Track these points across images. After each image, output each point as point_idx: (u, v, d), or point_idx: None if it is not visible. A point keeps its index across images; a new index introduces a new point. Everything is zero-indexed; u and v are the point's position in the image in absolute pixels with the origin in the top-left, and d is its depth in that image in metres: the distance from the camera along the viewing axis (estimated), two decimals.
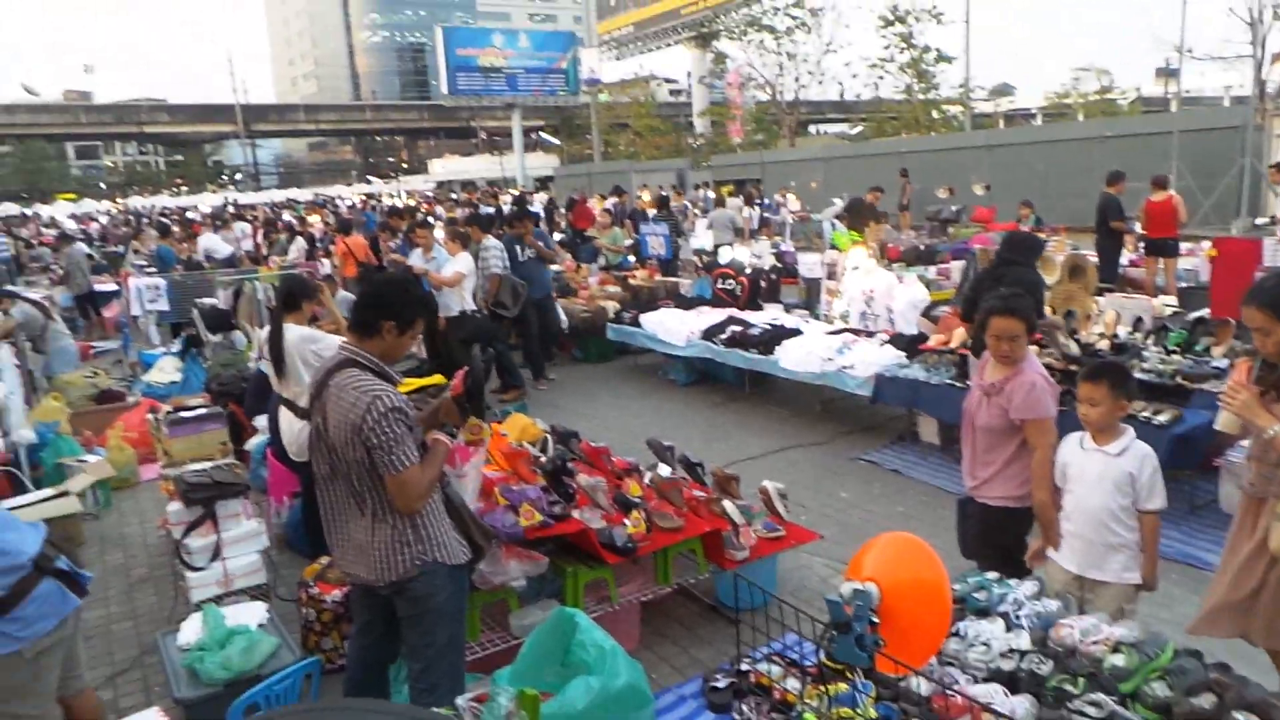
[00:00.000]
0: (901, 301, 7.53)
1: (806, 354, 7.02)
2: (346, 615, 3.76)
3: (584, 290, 10.87)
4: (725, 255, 10.66)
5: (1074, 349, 5.76)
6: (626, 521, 3.80)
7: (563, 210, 20.77)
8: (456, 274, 7.97)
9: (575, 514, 3.75)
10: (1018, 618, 2.74)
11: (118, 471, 6.40)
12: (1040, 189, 16.33)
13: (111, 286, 14.76)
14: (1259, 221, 13.63)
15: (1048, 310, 6.24)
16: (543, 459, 4.12)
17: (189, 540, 4.05)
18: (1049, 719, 2.26)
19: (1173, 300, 8.64)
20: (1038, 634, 2.62)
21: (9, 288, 9.17)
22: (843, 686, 2.12)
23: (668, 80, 65.66)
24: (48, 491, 4.87)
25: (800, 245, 10.59)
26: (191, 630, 3.57)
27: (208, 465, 4.38)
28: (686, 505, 4.11)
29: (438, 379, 7.11)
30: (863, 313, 7.85)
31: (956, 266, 9.74)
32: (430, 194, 45.85)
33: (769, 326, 7.78)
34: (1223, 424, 2.95)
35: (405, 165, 73.90)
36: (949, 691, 2.21)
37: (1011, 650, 2.55)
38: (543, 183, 43.43)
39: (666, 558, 3.93)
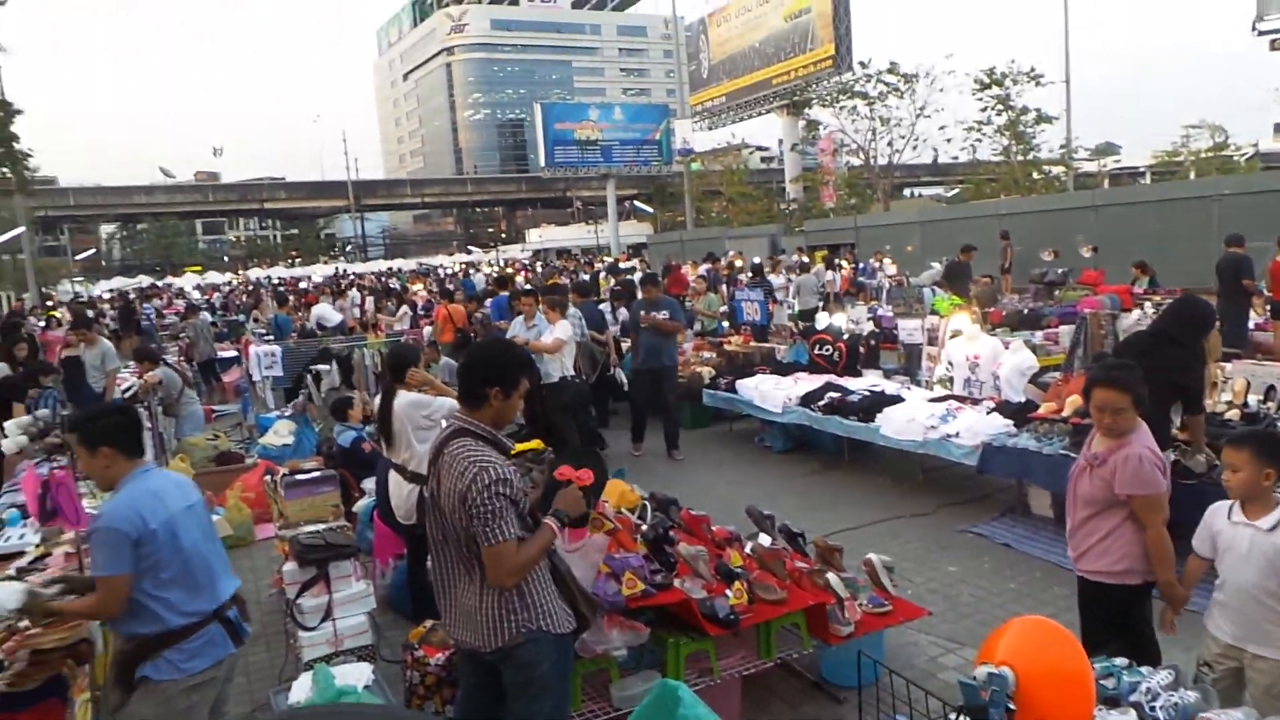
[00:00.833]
0: (1008, 367, 7.29)
1: (908, 421, 6.84)
2: (450, 679, 3.79)
3: (679, 356, 10.92)
4: (822, 321, 10.57)
5: (1202, 466, 4.87)
6: (729, 592, 3.74)
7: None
8: (557, 341, 8.14)
9: (677, 583, 3.71)
10: (1153, 709, 2.55)
11: (235, 531, 6.69)
12: (1152, 250, 15.69)
13: (232, 353, 15.66)
14: None
15: (1207, 401, 5.42)
16: (643, 526, 4.11)
17: (302, 600, 4.18)
18: None
19: None
20: None
21: (154, 349, 9.82)
22: None
23: (759, 148, 66.47)
24: None
25: (899, 310, 10.41)
26: (302, 689, 3.65)
27: (321, 527, 4.54)
28: (789, 577, 4.03)
29: (537, 444, 7.24)
30: (966, 379, 7.63)
31: (1065, 331, 9.40)
32: (526, 262, 47.24)
33: (868, 393, 7.64)
34: None
35: (504, 235, 76.50)
36: None
37: None
38: (636, 250, 44.23)
39: (769, 631, 3.84)
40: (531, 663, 2.76)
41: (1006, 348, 7.62)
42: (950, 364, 7.88)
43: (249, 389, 12.19)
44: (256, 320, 18.08)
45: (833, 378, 8.43)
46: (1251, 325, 10.47)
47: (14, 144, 20.32)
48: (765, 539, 4.40)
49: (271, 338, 14.04)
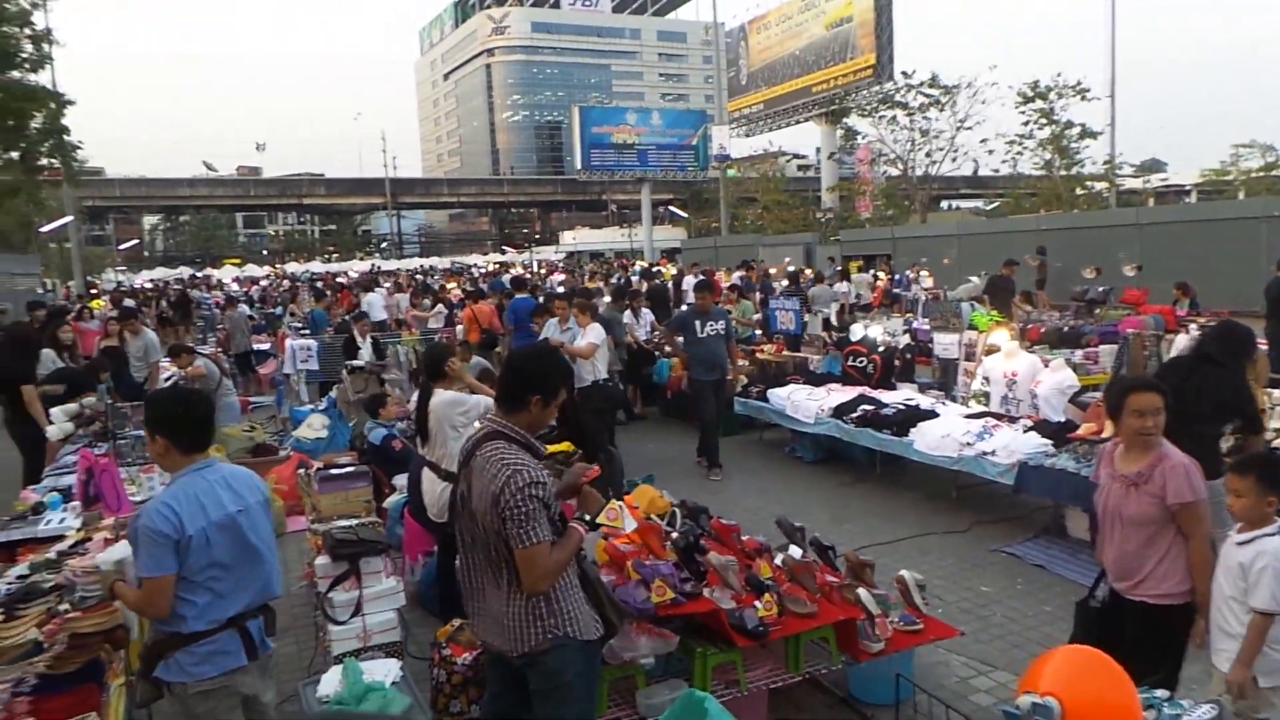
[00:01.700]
0: (1047, 386, 7.17)
1: (943, 437, 6.77)
2: (476, 679, 3.81)
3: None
4: (857, 332, 10.49)
5: None
6: (758, 604, 3.71)
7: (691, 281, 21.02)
8: (590, 345, 8.16)
9: (706, 593, 3.69)
10: None
11: None
12: (1197, 271, 15.39)
13: (268, 346, 15.90)
14: None
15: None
16: (674, 534, 4.10)
17: (333, 594, 4.22)
18: None
19: None
20: None
21: (189, 345, 9.98)
22: None
23: (796, 156, 66.25)
24: None
25: (935, 324, 10.29)
26: (330, 683, 3.68)
27: (354, 522, 4.58)
28: (819, 590, 3.99)
29: (566, 446, 7.25)
30: (1004, 396, 7.52)
31: (1106, 350, 9.23)
32: (559, 263, 47.47)
33: (903, 407, 7.57)
34: None
35: (538, 236, 76.85)
36: None
37: None
38: (669, 255, 44.26)
39: (798, 644, 3.80)
40: (558, 669, 2.76)
41: (1046, 365, 7.51)
42: (986, 380, 7.78)
43: (284, 382, 12.36)
44: (293, 314, 18.31)
45: (866, 390, 8.36)
46: None
47: (65, 135, 20.73)
48: (796, 551, 4.35)
49: (307, 332, 14.20)
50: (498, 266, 46.34)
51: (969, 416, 7.09)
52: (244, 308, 20.25)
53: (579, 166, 49.18)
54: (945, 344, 9.37)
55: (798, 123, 43.66)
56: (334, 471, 5.09)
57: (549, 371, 2.92)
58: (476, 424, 3.05)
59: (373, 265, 49.61)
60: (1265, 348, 9.07)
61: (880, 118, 37.09)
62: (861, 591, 4.01)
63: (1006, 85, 49.43)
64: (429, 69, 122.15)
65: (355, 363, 10.70)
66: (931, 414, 7.26)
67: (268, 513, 3.07)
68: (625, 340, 10.26)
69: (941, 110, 35.45)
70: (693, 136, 50.08)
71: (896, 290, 18.48)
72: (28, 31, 18.84)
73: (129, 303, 20.14)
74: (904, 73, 36.25)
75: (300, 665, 4.64)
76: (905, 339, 10.77)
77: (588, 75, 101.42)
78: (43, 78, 19.69)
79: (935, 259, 23.81)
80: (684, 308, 9.06)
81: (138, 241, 73.39)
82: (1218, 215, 19.60)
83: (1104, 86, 29.86)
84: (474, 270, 43.53)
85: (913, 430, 7.04)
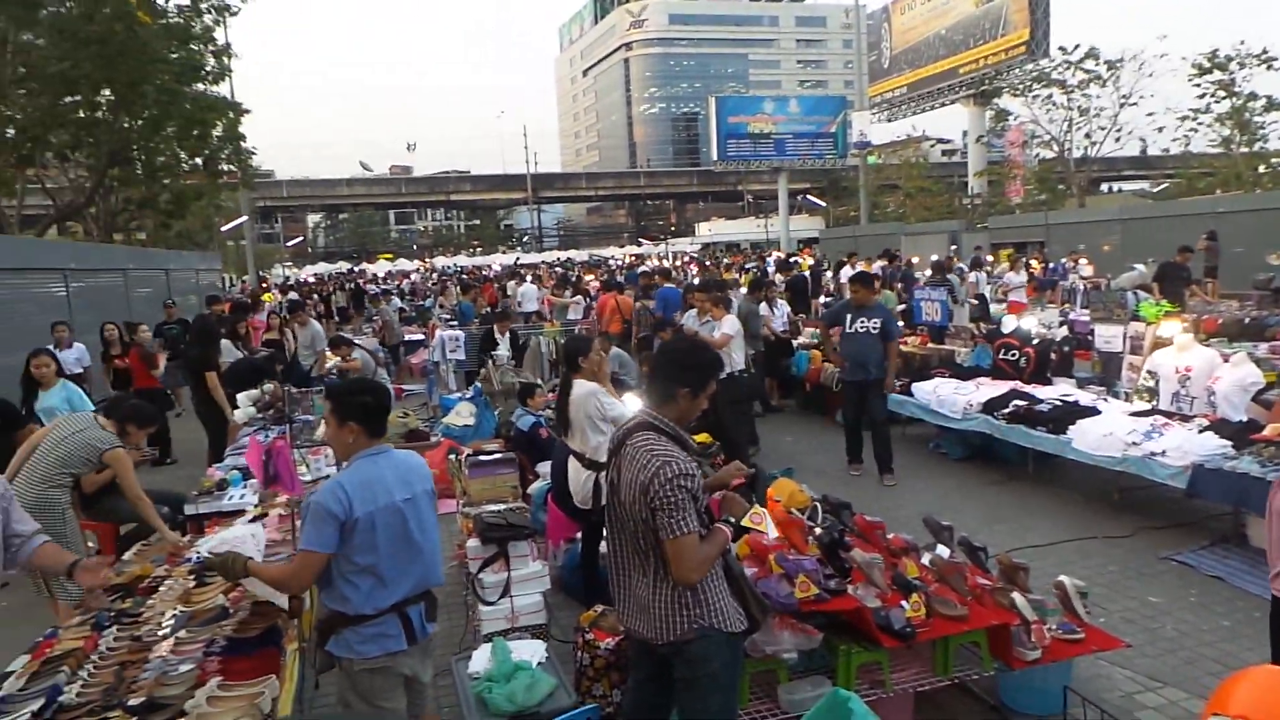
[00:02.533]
0: (1227, 382, 6.59)
1: (1105, 435, 6.36)
2: (618, 664, 3.88)
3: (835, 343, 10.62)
4: (1009, 324, 9.99)
5: None
6: (905, 604, 3.62)
7: (829, 273, 20.61)
8: (724, 336, 8.14)
9: (851, 590, 3.63)
10: None
11: None
12: None
13: (419, 336, 16.71)
14: None
15: None
16: (817, 529, 4.04)
17: (483, 575, 4.40)
18: None
19: None
20: None
21: (348, 338, 10.62)
22: None
23: (940, 140, 63.68)
24: None
25: (1096, 315, 9.64)
26: (480, 660, 3.85)
27: (502, 507, 4.76)
28: (970, 593, 3.84)
29: (704, 438, 7.26)
30: (1175, 393, 6.97)
31: None
32: (694, 254, 47.52)
33: (1059, 403, 7.19)
34: None
35: (673, 228, 77.19)
36: None
37: None
38: (807, 245, 43.49)
39: (947, 647, 3.67)
40: (703, 659, 2.78)
41: (1225, 360, 6.91)
42: (1151, 375, 7.24)
43: (434, 371, 12.96)
44: (442, 306, 19.16)
45: (1019, 384, 8.00)
46: None
47: (241, 142, 22.44)
48: (944, 551, 4.21)
49: (455, 323, 14.83)
50: (634, 259, 46.94)
51: (1134, 414, 6.64)
52: (396, 300, 21.43)
53: (715, 157, 49.01)
54: (1108, 336, 8.77)
55: (943, 105, 41.83)
56: (483, 458, 5.30)
57: (698, 363, 2.93)
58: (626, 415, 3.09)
59: (516, 259, 51.23)
60: None
61: (1034, 97, 35.01)
62: (1016, 596, 3.83)
63: (1179, 56, 45.68)
64: (568, 65, 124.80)
65: (497, 352, 11.08)
66: (1092, 411, 6.88)
67: (432, 502, 3.19)
68: (761, 332, 10.14)
69: (1103, 86, 33.13)
70: (831, 123, 48.93)
71: (1053, 278, 17.47)
72: (210, 47, 20.45)
73: (293, 295, 21.64)
74: (1061, 48, 34.09)
75: (452, 642, 4.85)
76: (1062, 331, 10.18)
77: (724, 65, 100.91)
78: (222, 89, 21.36)
79: (1094, 246, 22.32)
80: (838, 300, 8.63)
81: (302, 239, 78.75)
82: None
83: None
84: (611, 262, 44.24)
85: (1071, 428, 6.68)
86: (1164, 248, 12.87)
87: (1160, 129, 32.91)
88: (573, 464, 4.72)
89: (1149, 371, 7.30)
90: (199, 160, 21.86)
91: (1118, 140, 34.36)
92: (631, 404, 5.64)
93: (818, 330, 11.83)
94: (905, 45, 42.93)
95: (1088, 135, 34.56)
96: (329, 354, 10.31)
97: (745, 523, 2.92)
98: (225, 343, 9.48)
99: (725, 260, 35.83)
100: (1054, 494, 7.19)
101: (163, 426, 9.56)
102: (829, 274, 20.46)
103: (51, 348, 8.35)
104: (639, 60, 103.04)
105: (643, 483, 2.69)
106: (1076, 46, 33.34)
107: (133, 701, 2.82)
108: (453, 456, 6.52)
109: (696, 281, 13.62)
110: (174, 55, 18.79)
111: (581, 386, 4.99)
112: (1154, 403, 7.06)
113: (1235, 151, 30.75)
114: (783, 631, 3.42)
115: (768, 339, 10.58)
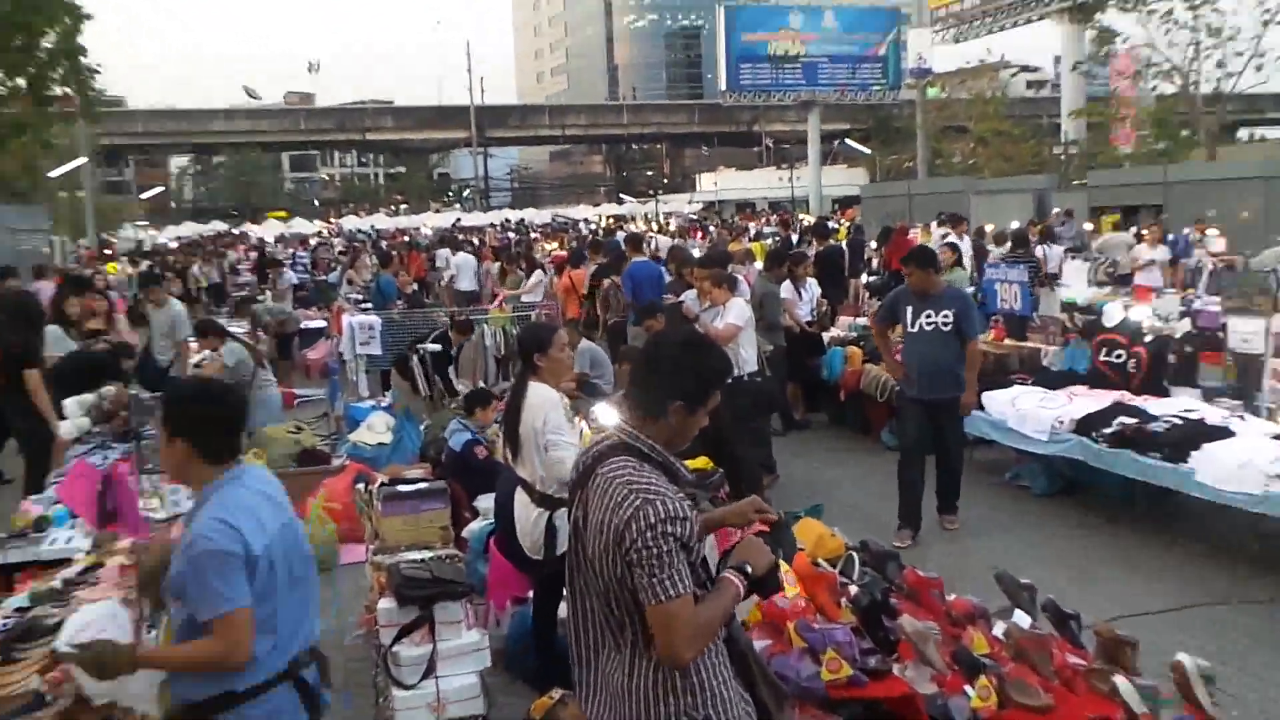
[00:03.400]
0: None
1: (1240, 466, 6.47)
2: None
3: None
4: (1113, 315, 10.08)
5: None
6: (970, 689, 3.67)
7: (873, 244, 20.71)
8: (730, 327, 8.12)
9: (896, 670, 3.70)
10: None
11: (316, 551, 7.07)
12: None
13: (318, 323, 16.61)
14: None
15: None
16: (852, 588, 4.06)
17: (400, 648, 4.36)
18: None
19: None
20: None
21: (219, 323, 10.57)
22: None
23: (1025, 68, 64.06)
24: None
25: (1229, 304, 9.75)
26: None
27: (427, 555, 4.73)
28: (1057, 675, 3.92)
29: (703, 463, 7.26)
30: None
31: None
32: (694, 217, 47.63)
33: (1179, 420, 7.31)
34: None
35: (666, 180, 77.45)
36: None
37: None
38: (844, 205, 43.68)
39: None
40: None
41: None
42: None
43: (339, 370, 12.91)
44: (351, 283, 19.06)
45: (1125, 396, 8.14)
46: None
47: (80, 56, 22.23)
48: (1023, 618, 4.29)
49: (370, 306, 14.74)
50: (613, 221, 46.98)
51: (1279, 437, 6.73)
52: (290, 274, 21.28)
53: (723, 87, 49.22)
54: (1246, 333, 8.86)
55: (1029, 21, 42.21)
56: (402, 489, 5.27)
57: (698, 370, 2.86)
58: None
59: (455, 220, 51.17)
60: None
61: (1150, 12, 35.34)
62: (1119, 680, 3.88)
63: None
64: None
65: (428, 347, 10.98)
66: (1224, 431, 7.00)
67: (300, 531, 3.28)
68: (782, 322, 10.14)
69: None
70: (880, 44, 49.26)
71: (1172, 255, 17.61)
72: None
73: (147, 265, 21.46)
74: None
75: None
76: (1184, 325, 10.27)
77: None
78: None
79: (1228, 212, 22.57)
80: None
81: (163, 189, 78.37)
82: None
83: None
84: (583, 226, 44.27)
85: (1194, 454, 6.79)
86: None
87: None
88: (520, 498, 4.69)
89: None
90: (20, 81, 21.65)
91: (1260, 70, 34.74)
92: (606, 418, 5.62)
93: (856, 320, 11.87)
94: None
95: (1220, 64, 34.90)
96: (194, 345, 10.25)
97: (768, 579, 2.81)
98: (53, 328, 9.41)
99: (737, 221, 35.98)
100: (1171, 542, 7.31)
101: None
102: (872, 244, 20.56)
103: None
104: None
105: (617, 528, 2.65)
106: None
107: None
108: (361, 485, 6.47)
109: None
110: None
111: (538, 393, 4.95)
112: None
113: None
114: None
115: (790, 331, 10.60)
